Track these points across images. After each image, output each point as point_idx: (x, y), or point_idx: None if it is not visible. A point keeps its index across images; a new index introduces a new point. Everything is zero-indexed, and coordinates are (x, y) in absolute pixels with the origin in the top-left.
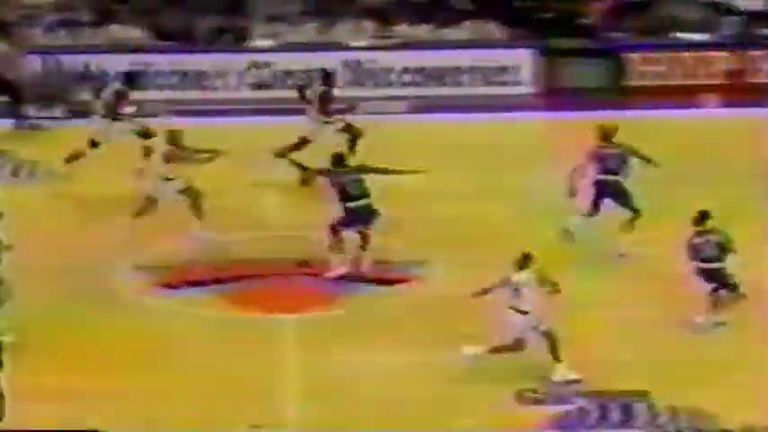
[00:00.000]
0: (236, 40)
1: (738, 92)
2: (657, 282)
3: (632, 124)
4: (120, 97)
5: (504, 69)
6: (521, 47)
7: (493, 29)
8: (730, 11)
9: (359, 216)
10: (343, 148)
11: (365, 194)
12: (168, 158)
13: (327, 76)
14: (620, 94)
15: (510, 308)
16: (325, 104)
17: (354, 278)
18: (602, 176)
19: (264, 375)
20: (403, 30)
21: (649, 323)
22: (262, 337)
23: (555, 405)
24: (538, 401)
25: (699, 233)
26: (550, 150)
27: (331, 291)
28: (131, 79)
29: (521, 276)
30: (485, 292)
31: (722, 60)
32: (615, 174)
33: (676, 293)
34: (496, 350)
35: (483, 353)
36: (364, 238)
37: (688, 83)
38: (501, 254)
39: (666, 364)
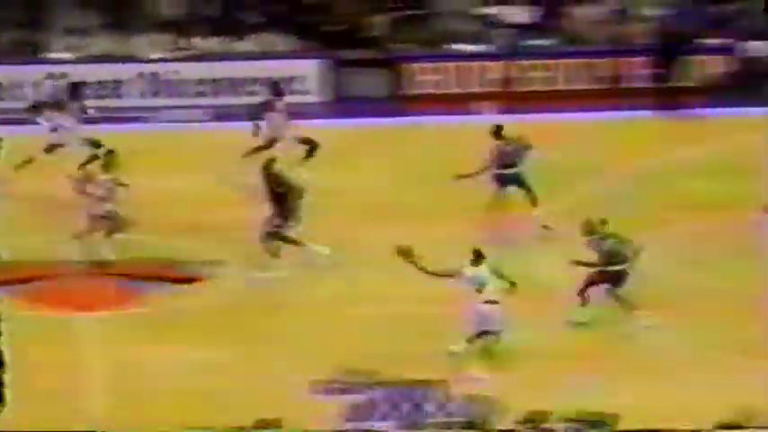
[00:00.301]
0: (34, 52)
1: (511, 99)
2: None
3: (412, 130)
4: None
5: (293, 79)
6: (309, 58)
7: (281, 41)
8: (501, 24)
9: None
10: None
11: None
12: (87, 177)
13: (276, 86)
14: (401, 102)
15: (481, 301)
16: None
17: (153, 277)
18: (501, 171)
19: (68, 374)
20: (197, 42)
21: (440, 317)
22: (64, 335)
23: (350, 395)
24: (333, 391)
25: (600, 238)
26: (341, 155)
27: (130, 290)
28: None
29: (477, 271)
30: (432, 273)
31: (495, 70)
32: (513, 167)
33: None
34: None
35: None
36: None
37: (464, 91)
38: (293, 254)
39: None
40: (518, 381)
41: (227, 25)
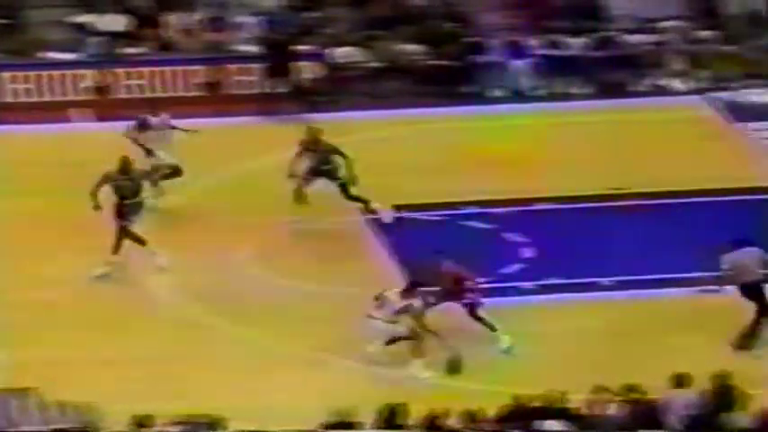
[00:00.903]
0: None
1: (104, 106)
2: None
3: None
4: None
5: None
6: None
7: None
8: (95, 32)
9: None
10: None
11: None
12: None
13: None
14: None
15: (370, 316)
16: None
17: None
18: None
19: None
20: None
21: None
22: None
23: None
24: None
25: None
26: None
27: None
28: None
29: (387, 293)
30: (376, 299)
31: (89, 78)
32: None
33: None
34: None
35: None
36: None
37: (58, 99)
38: None
39: (81, 361)
40: (117, 385)
41: None
